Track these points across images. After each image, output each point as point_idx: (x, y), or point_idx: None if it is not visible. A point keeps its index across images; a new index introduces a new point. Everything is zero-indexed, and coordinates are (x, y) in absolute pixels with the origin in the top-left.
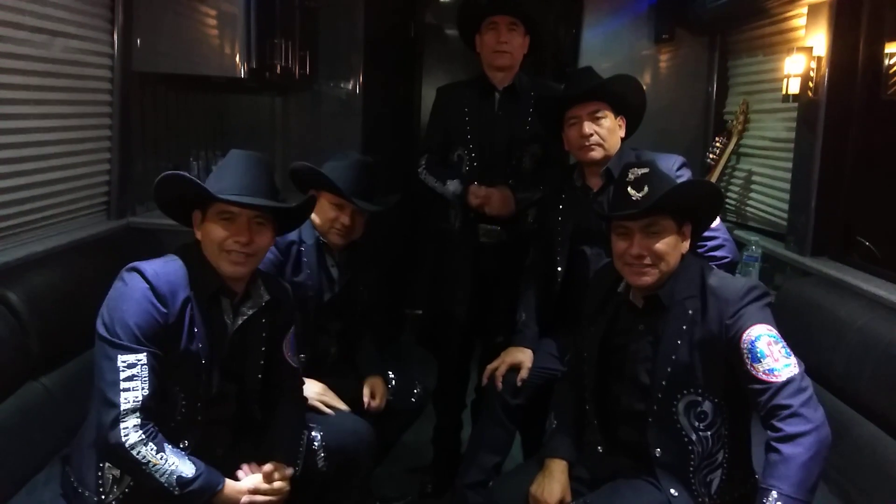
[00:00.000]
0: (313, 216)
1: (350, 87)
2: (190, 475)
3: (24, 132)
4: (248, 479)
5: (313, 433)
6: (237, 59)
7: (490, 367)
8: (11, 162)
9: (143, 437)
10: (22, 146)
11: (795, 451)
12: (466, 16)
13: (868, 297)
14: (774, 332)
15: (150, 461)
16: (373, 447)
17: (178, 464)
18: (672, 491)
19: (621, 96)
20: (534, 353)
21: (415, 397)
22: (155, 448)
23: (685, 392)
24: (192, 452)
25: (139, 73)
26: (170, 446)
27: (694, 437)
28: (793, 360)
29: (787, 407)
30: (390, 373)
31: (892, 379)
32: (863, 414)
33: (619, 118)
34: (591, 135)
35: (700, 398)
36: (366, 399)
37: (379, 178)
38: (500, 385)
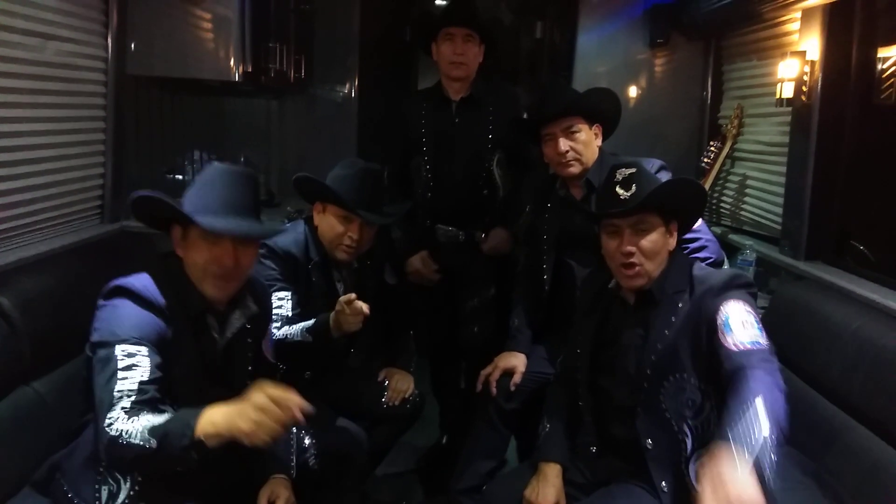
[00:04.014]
0: (320, 230)
1: (345, 90)
2: (159, 420)
3: (17, 136)
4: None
5: (303, 432)
6: (232, 62)
7: (484, 372)
8: (4, 165)
9: (121, 414)
10: (15, 150)
11: (758, 387)
12: (423, 25)
13: (862, 301)
14: (752, 312)
15: (121, 430)
16: (365, 447)
17: (148, 419)
18: (663, 484)
19: (594, 106)
20: (527, 357)
21: (409, 403)
22: (126, 417)
23: (671, 378)
24: None
25: (133, 76)
26: (147, 411)
27: (684, 426)
28: (764, 338)
29: (751, 368)
30: (386, 380)
31: (885, 383)
32: (856, 418)
33: (594, 127)
34: (567, 151)
35: (685, 383)
36: (391, 393)
37: (385, 187)
38: (494, 390)
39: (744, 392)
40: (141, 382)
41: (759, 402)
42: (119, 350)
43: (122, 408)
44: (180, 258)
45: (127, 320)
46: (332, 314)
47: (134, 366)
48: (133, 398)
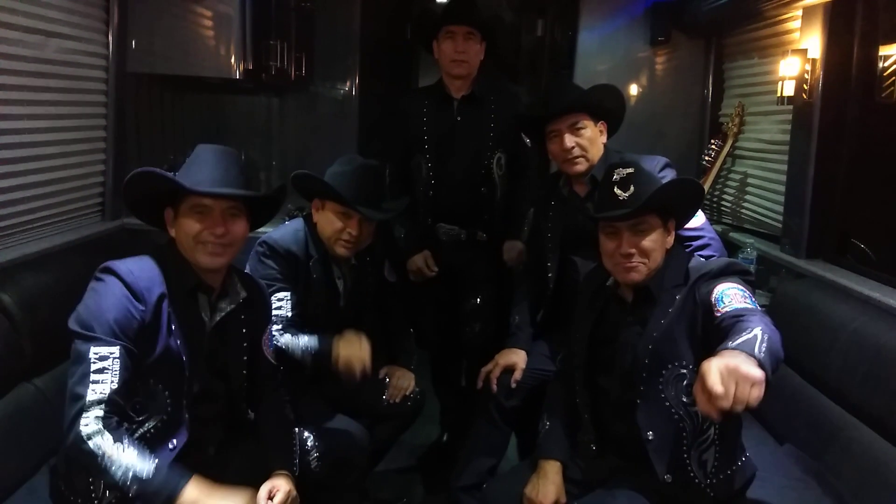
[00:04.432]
0: (319, 227)
1: (346, 88)
2: (147, 471)
3: (18, 133)
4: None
5: (305, 433)
6: (232, 60)
7: (484, 369)
8: (5, 163)
9: (101, 427)
10: (16, 147)
11: (757, 321)
12: (423, 24)
13: (862, 299)
14: (747, 292)
15: (104, 452)
16: (366, 448)
17: (135, 460)
18: (667, 476)
19: (599, 102)
20: (528, 354)
21: (410, 400)
22: (112, 438)
23: (669, 366)
24: (182, 451)
25: (134, 74)
26: (132, 442)
27: (683, 412)
28: (756, 307)
29: (748, 314)
30: (387, 378)
31: (885, 381)
32: (856, 416)
33: (599, 124)
34: (573, 147)
35: (685, 370)
36: (392, 391)
37: (385, 183)
38: (494, 387)
39: (741, 325)
40: (112, 391)
41: (757, 329)
42: (93, 352)
43: (97, 416)
44: (173, 241)
45: (106, 309)
46: (336, 344)
47: (105, 369)
48: (105, 407)
